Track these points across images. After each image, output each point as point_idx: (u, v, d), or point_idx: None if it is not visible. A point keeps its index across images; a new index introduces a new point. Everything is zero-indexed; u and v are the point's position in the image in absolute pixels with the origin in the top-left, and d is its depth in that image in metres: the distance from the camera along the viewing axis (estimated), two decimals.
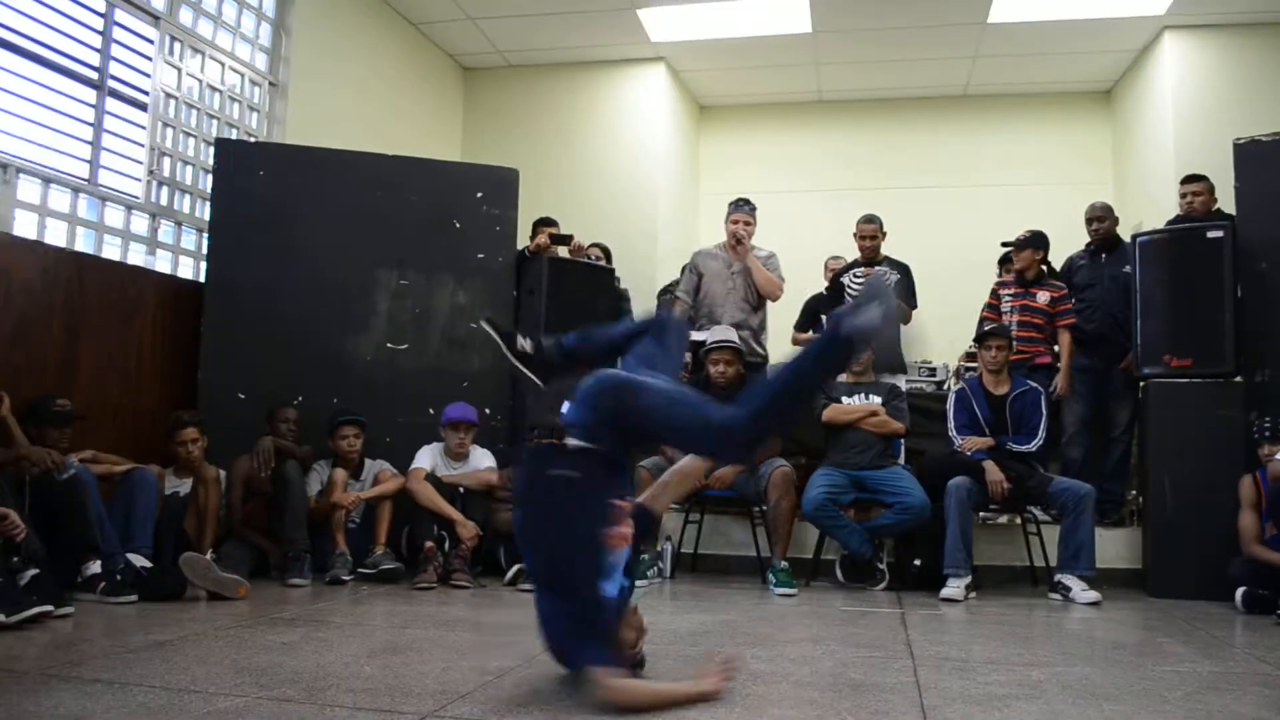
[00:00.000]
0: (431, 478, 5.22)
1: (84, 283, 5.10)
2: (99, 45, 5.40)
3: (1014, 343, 5.70)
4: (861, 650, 3.53)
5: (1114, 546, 5.62)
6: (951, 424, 5.46)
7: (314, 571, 4.98)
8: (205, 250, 5.92)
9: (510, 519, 5.22)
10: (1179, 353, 5.36)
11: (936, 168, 9.21)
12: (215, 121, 6.33)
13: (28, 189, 4.98)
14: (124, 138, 5.60)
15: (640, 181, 8.63)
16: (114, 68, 5.50)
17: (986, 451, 5.25)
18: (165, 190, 5.92)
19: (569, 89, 8.92)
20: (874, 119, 9.48)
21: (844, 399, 5.53)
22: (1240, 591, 4.70)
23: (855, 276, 6.33)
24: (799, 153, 9.54)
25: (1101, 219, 6.23)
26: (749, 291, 6.10)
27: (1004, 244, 6.28)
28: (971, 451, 5.27)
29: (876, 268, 6.29)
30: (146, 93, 5.75)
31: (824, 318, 6.40)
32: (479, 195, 6.11)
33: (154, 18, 5.78)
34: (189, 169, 6.12)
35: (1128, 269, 5.75)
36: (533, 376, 3.22)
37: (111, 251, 5.53)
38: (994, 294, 6.26)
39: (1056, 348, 6.07)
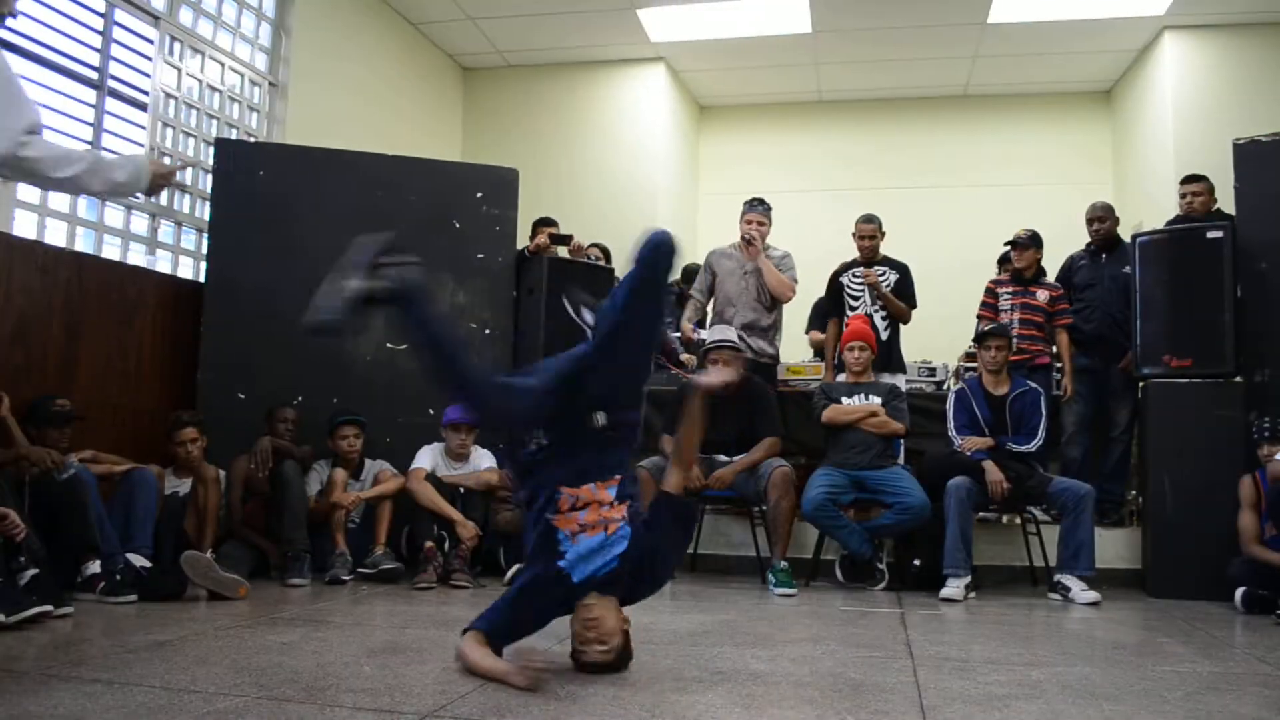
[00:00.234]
0: (432, 478, 5.22)
1: (84, 283, 5.10)
2: (99, 45, 5.41)
3: (1014, 342, 5.71)
4: (861, 650, 3.53)
5: (1114, 547, 5.63)
6: (951, 424, 5.46)
7: (314, 571, 4.98)
8: (205, 250, 5.92)
9: (510, 519, 5.24)
10: (1179, 353, 5.35)
11: (936, 168, 9.23)
12: (215, 121, 6.33)
13: (27, 189, 4.98)
14: (124, 138, 5.60)
15: (640, 181, 8.64)
16: (114, 68, 5.50)
17: (986, 451, 5.25)
18: (165, 190, 5.91)
19: (569, 89, 8.93)
20: (874, 119, 9.50)
21: (844, 399, 5.53)
22: (1240, 591, 4.70)
23: (854, 276, 6.33)
24: (799, 153, 9.56)
25: (1102, 219, 6.23)
26: (762, 292, 6.09)
27: (1008, 243, 6.27)
28: (971, 451, 5.27)
29: (875, 267, 6.29)
30: (146, 93, 5.75)
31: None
32: (479, 195, 6.12)
33: (154, 18, 5.79)
34: (189, 169, 6.12)
35: (1128, 269, 5.75)
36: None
37: (111, 251, 5.54)
38: (990, 293, 6.26)
39: (1054, 348, 6.09)
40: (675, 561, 3.35)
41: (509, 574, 5.07)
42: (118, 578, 4.22)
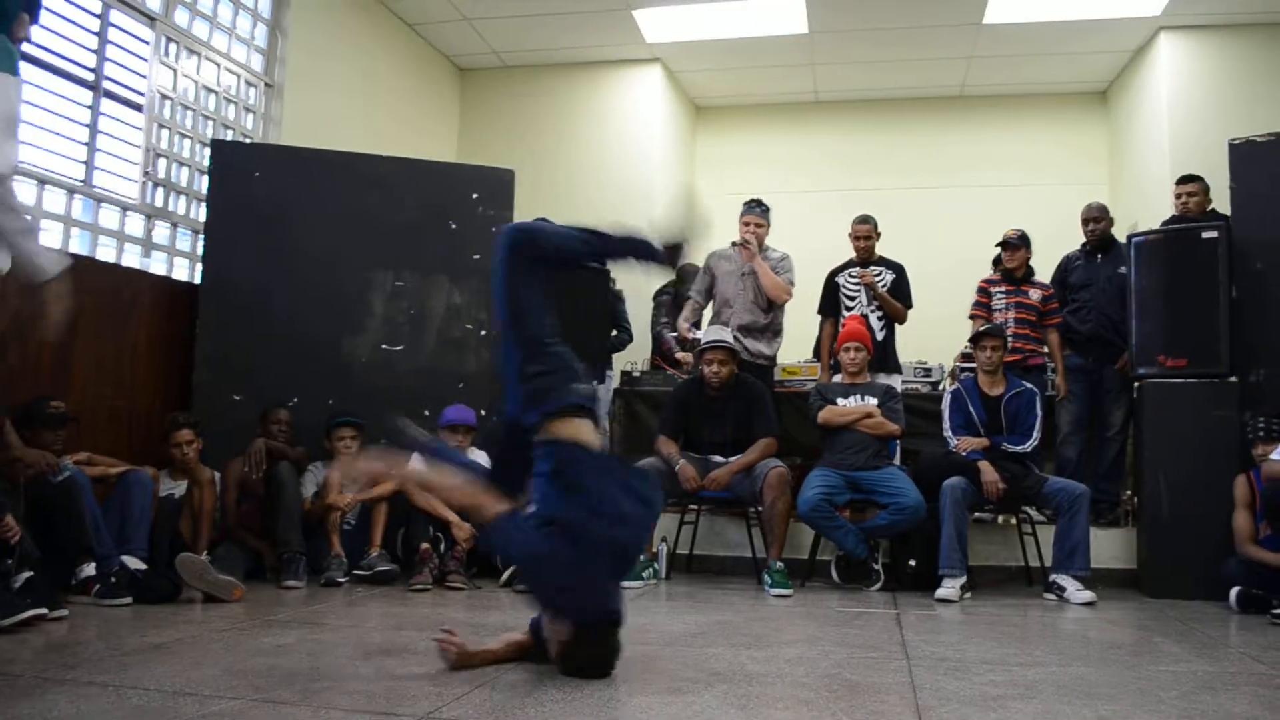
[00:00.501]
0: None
1: (79, 284, 5.06)
2: (94, 46, 5.40)
3: (1009, 341, 5.71)
4: (857, 651, 3.54)
5: (1109, 547, 5.63)
6: (947, 424, 5.47)
7: (309, 573, 4.98)
8: (200, 252, 5.91)
9: None
10: (1174, 353, 5.36)
11: (932, 168, 9.24)
12: (211, 123, 6.32)
13: (22, 190, 4.97)
14: (119, 139, 5.60)
15: (636, 182, 8.64)
16: (109, 69, 5.49)
17: (981, 452, 5.26)
18: (161, 192, 5.92)
19: (565, 90, 8.93)
20: (870, 120, 9.51)
21: (839, 400, 5.53)
22: (1235, 591, 4.70)
23: (850, 276, 6.33)
24: (795, 153, 9.56)
25: (1098, 219, 6.24)
26: (759, 294, 6.10)
27: (999, 244, 6.28)
28: (967, 452, 5.28)
29: (871, 267, 6.29)
30: (142, 94, 5.74)
31: None
32: (474, 196, 6.12)
33: (149, 19, 5.78)
34: (185, 170, 6.12)
35: (1123, 269, 5.76)
36: None
37: (106, 253, 5.53)
38: (983, 292, 6.27)
39: (1045, 348, 6.10)
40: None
41: (504, 575, 5.07)
42: (113, 580, 4.21)
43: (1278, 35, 7.58)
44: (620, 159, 8.72)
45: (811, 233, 8.46)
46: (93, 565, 4.24)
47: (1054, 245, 6.48)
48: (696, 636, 3.77)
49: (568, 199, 8.21)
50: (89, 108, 5.36)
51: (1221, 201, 5.75)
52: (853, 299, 6.30)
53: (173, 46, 5.99)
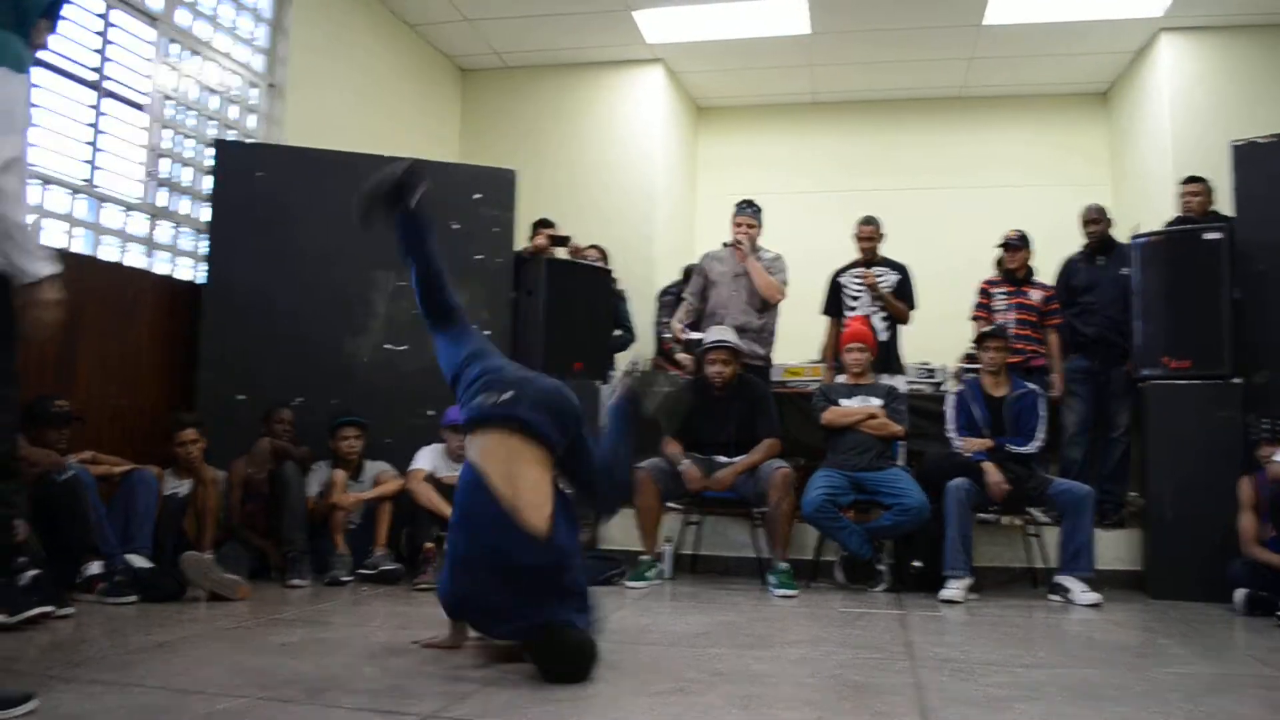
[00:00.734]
0: (431, 479, 5.21)
1: (82, 283, 5.09)
2: (97, 47, 5.39)
3: (1011, 343, 5.71)
4: (861, 651, 3.54)
5: (1114, 548, 5.62)
6: (950, 425, 5.47)
7: (314, 572, 4.98)
8: (203, 251, 5.91)
9: None
10: (1177, 354, 5.36)
11: (934, 169, 9.24)
12: (213, 123, 6.32)
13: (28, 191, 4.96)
14: (122, 139, 5.60)
15: (638, 183, 8.64)
16: (112, 69, 5.49)
17: (985, 453, 5.26)
18: (164, 191, 5.92)
19: (566, 90, 8.93)
20: (871, 120, 9.50)
21: (843, 401, 5.53)
22: (1240, 593, 4.70)
23: (853, 277, 6.33)
24: (797, 154, 9.56)
25: (1096, 221, 6.24)
26: (753, 294, 6.10)
27: (1000, 245, 6.28)
28: (970, 453, 5.28)
29: (875, 268, 6.29)
30: (145, 94, 5.74)
31: None
32: (477, 197, 6.12)
33: (151, 19, 5.78)
34: (187, 170, 6.12)
35: (1126, 271, 5.76)
36: None
37: (109, 253, 5.53)
38: (984, 293, 6.28)
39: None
40: None
41: None
42: (118, 578, 4.22)
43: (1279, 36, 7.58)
44: (622, 159, 8.71)
45: (813, 233, 8.46)
46: (98, 564, 4.24)
47: (1055, 246, 6.48)
48: (700, 637, 3.78)
49: (570, 199, 8.22)
50: (92, 108, 5.36)
51: (1224, 203, 5.75)
52: (856, 299, 6.30)
53: (175, 46, 5.99)
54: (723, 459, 5.44)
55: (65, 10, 2.81)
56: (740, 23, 7.98)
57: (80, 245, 5.33)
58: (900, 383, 6.05)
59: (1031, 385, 5.52)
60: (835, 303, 6.41)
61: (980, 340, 5.57)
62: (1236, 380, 5.27)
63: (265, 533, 5.14)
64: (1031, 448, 5.31)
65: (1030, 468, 5.29)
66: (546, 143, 8.79)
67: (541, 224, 6.65)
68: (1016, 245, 6.15)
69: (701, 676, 3.02)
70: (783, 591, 5.00)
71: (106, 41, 5.44)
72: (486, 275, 6.07)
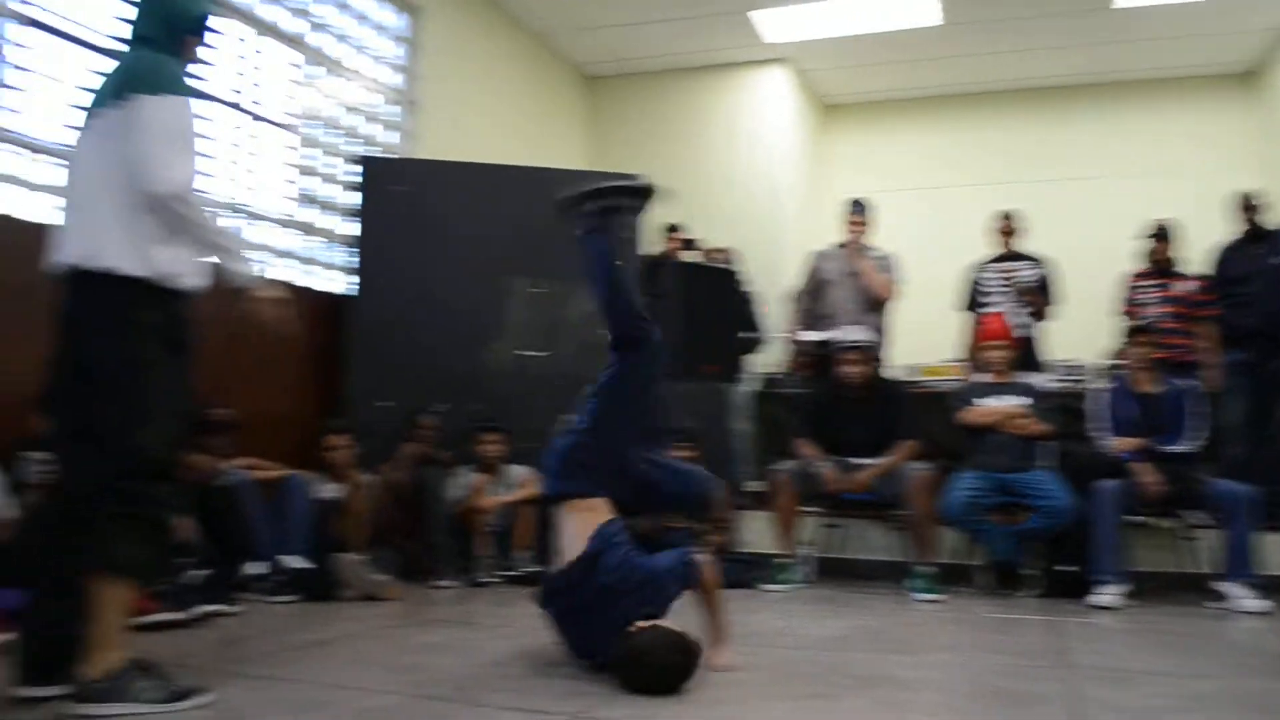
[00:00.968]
0: None
1: (240, 294, 5.33)
2: (246, 72, 5.66)
3: (1160, 337, 5.47)
4: (1010, 658, 3.44)
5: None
6: (1098, 424, 5.27)
7: (458, 574, 5.11)
8: (350, 265, 6.13)
9: (648, 524, 5.27)
10: None
11: (1072, 159, 8.91)
12: (356, 140, 6.56)
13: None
14: (271, 159, 5.86)
15: (765, 184, 8.60)
16: (260, 93, 5.76)
17: (1137, 452, 5.05)
18: (312, 209, 6.17)
19: (690, 94, 8.95)
20: (1005, 111, 9.23)
21: (984, 401, 5.38)
22: None
23: (992, 272, 6.16)
24: (929, 148, 9.37)
25: (1254, 207, 5.93)
26: (866, 293, 6.05)
27: (1143, 236, 6.03)
28: (1121, 453, 5.07)
29: (1014, 263, 6.10)
30: (291, 115, 6.00)
31: None
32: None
33: (295, 43, 6.04)
34: (331, 186, 6.36)
35: (1275, 260, 5.47)
36: None
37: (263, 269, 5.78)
38: (1127, 287, 6.04)
39: (1200, 342, 5.82)
40: None
41: None
42: (277, 579, 4.42)
43: None
44: (748, 160, 8.68)
45: (947, 228, 8.30)
46: (259, 565, 4.46)
47: (1202, 235, 6.17)
48: (840, 641, 3.73)
49: (696, 202, 8.19)
50: (243, 130, 5.62)
51: None
52: (995, 295, 6.13)
53: (317, 68, 6.24)
54: (861, 461, 5.37)
55: (214, 25, 2.89)
56: (868, 18, 7.87)
57: None
58: (1043, 380, 5.86)
59: (1185, 381, 5.27)
60: (973, 299, 6.24)
61: (1129, 335, 5.35)
62: None
63: (411, 535, 5.29)
64: (1186, 446, 5.07)
65: (1186, 467, 5.05)
66: (672, 147, 8.82)
67: (670, 228, 6.68)
68: (1161, 236, 5.90)
69: (842, 681, 2.99)
70: (925, 596, 4.90)
71: (255, 67, 5.72)
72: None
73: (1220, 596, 4.73)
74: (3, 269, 4.15)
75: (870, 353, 5.45)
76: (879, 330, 6.07)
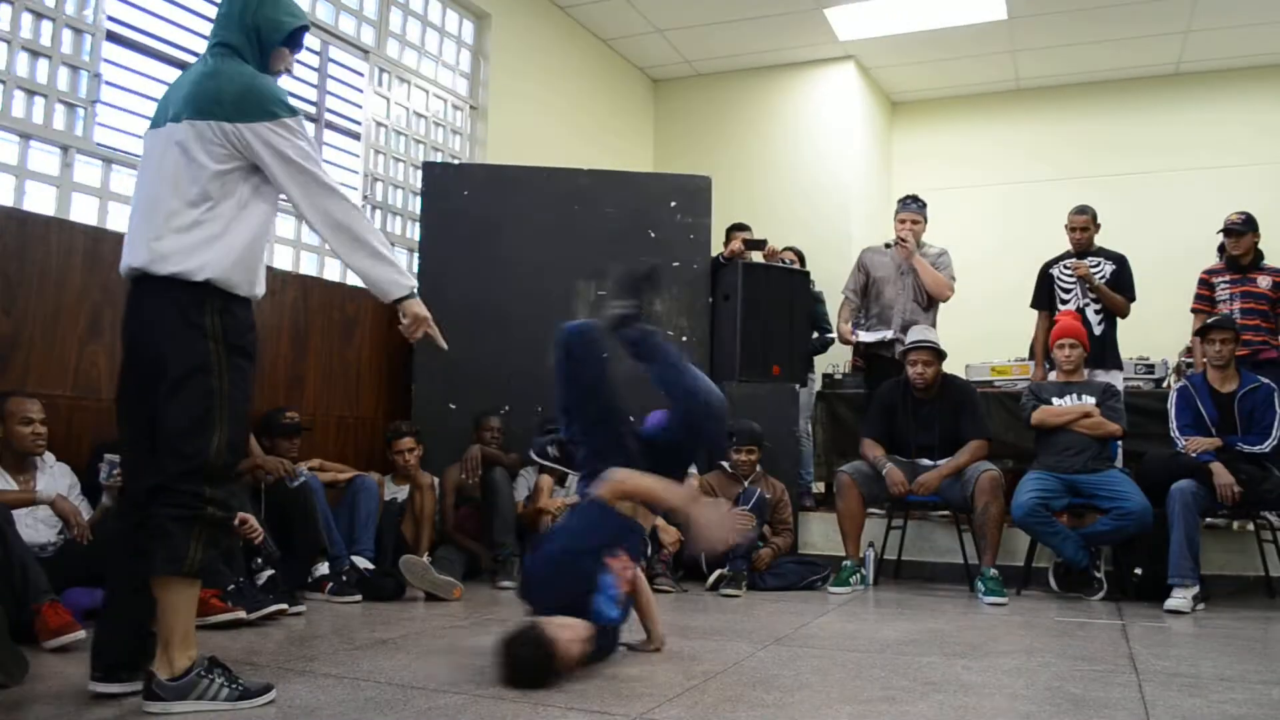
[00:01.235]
0: None
1: (308, 302, 5.45)
2: (316, 81, 5.79)
3: (1240, 333, 5.32)
4: (1080, 663, 3.37)
5: None
6: (1174, 424, 5.14)
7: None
8: (416, 269, 6.22)
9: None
10: None
11: (1149, 152, 8.70)
12: (422, 146, 6.66)
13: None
14: (341, 166, 5.97)
15: (833, 183, 8.53)
16: (329, 101, 5.87)
17: (1214, 453, 4.92)
18: (379, 213, 6.27)
19: (757, 93, 8.92)
20: (1076, 105, 9.03)
21: (1055, 400, 5.29)
22: None
23: (1065, 269, 6.04)
24: (1000, 144, 9.22)
25: None
26: (919, 291, 5.98)
27: (1221, 231, 5.86)
28: (1197, 453, 4.94)
29: (1088, 259, 5.98)
30: (359, 123, 6.11)
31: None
32: (673, 205, 6.19)
33: (364, 51, 6.15)
34: (399, 192, 6.46)
35: None
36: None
37: (332, 274, 5.89)
38: (1205, 284, 5.87)
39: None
40: None
41: (710, 579, 5.11)
42: (344, 579, 4.50)
43: None
44: (815, 159, 8.63)
45: (1018, 225, 8.17)
46: (326, 564, 4.54)
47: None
48: (908, 645, 3.69)
49: (764, 202, 8.21)
50: (313, 138, 5.73)
51: None
52: (1068, 292, 6.00)
53: (385, 76, 6.34)
54: (927, 462, 5.31)
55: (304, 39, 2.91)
56: (933, 13, 7.77)
57: (305, 267, 5.72)
58: (1117, 379, 5.74)
59: (1264, 379, 5.12)
60: (1046, 296, 6.12)
61: (1205, 332, 5.21)
62: None
63: (477, 536, 5.35)
64: (1267, 447, 4.92)
65: (1265, 468, 4.91)
66: (739, 147, 8.81)
67: (737, 228, 6.67)
68: (1240, 230, 5.72)
69: (910, 685, 2.96)
70: (992, 599, 4.82)
71: (324, 76, 5.83)
72: (684, 282, 6.13)
73: None
74: (93, 278, 4.30)
75: (939, 352, 5.37)
76: (931, 328, 5.99)
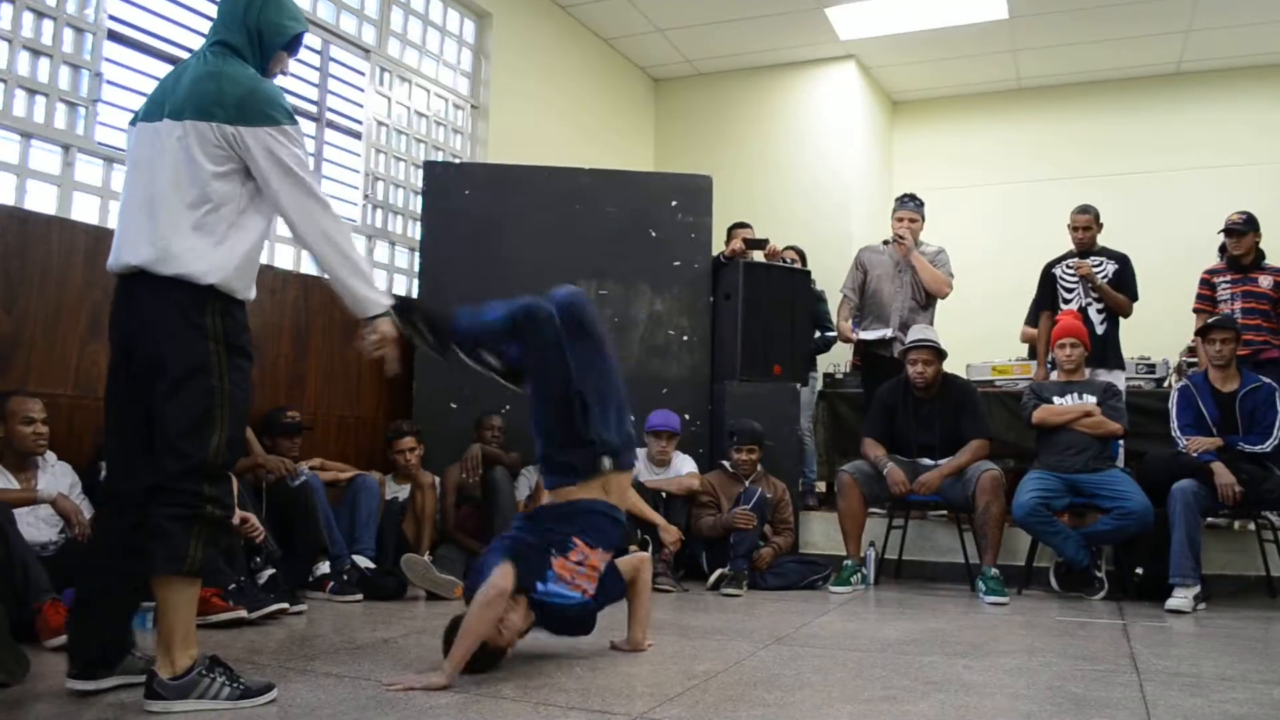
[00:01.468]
0: (634, 483, 5.30)
1: (309, 301, 5.45)
2: (317, 80, 5.79)
3: (1240, 334, 5.32)
4: (1081, 663, 3.37)
5: None
6: (1175, 423, 5.14)
7: None
8: (416, 268, 6.22)
9: (712, 524, 5.27)
10: None
11: (1150, 152, 8.70)
12: (422, 145, 6.66)
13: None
14: (341, 165, 5.97)
15: (833, 182, 8.53)
16: (330, 100, 5.87)
17: (1215, 452, 4.91)
18: (379, 213, 6.27)
19: (758, 93, 8.92)
20: (1078, 105, 9.03)
21: (1056, 399, 5.29)
22: None
23: (1067, 268, 6.03)
24: (1000, 143, 9.22)
25: None
26: (917, 289, 5.99)
27: (1222, 230, 5.85)
28: (1198, 452, 4.94)
29: (1091, 258, 5.97)
30: (360, 122, 6.11)
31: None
32: (674, 204, 6.19)
33: (365, 50, 6.15)
34: (400, 191, 6.46)
35: None
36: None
37: None
38: (1206, 284, 5.88)
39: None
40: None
41: (711, 578, 5.11)
42: (345, 578, 4.50)
43: None
44: (817, 158, 8.63)
45: (1019, 225, 8.17)
46: (327, 564, 4.55)
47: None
48: (909, 644, 3.69)
49: (765, 201, 8.21)
50: (314, 138, 5.74)
51: None
52: (1070, 292, 6.00)
53: (386, 75, 6.34)
54: (928, 461, 5.31)
55: (304, 42, 2.90)
56: (934, 13, 7.77)
57: (305, 267, 5.71)
58: (1119, 379, 5.73)
59: (1265, 378, 5.12)
60: (1049, 296, 6.11)
61: (1205, 332, 5.21)
62: None
63: (478, 535, 5.34)
64: (1268, 446, 4.92)
65: (1266, 468, 4.91)
66: (740, 146, 8.81)
67: (738, 227, 6.67)
68: (1241, 229, 5.71)
69: (911, 685, 2.96)
70: (993, 599, 4.83)
71: (325, 74, 5.83)
72: (685, 281, 6.13)
73: None
74: (94, 277, 4.30)
75: (940, 351, 5.37)
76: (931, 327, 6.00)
